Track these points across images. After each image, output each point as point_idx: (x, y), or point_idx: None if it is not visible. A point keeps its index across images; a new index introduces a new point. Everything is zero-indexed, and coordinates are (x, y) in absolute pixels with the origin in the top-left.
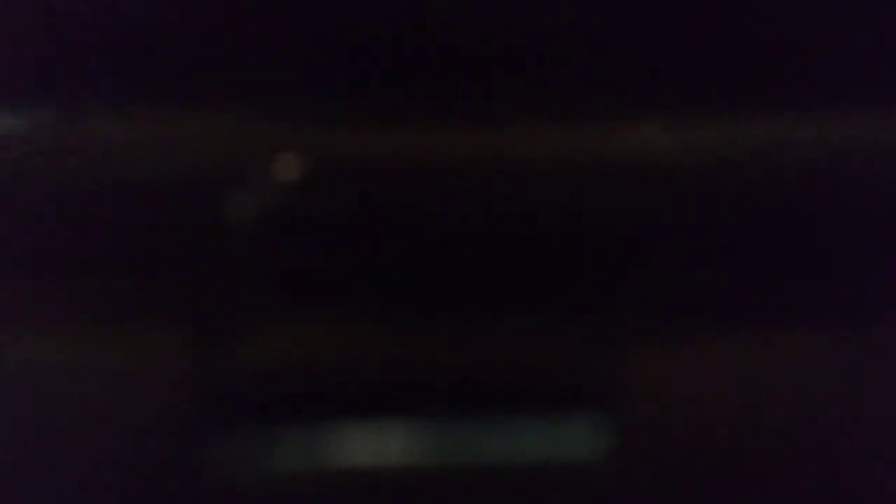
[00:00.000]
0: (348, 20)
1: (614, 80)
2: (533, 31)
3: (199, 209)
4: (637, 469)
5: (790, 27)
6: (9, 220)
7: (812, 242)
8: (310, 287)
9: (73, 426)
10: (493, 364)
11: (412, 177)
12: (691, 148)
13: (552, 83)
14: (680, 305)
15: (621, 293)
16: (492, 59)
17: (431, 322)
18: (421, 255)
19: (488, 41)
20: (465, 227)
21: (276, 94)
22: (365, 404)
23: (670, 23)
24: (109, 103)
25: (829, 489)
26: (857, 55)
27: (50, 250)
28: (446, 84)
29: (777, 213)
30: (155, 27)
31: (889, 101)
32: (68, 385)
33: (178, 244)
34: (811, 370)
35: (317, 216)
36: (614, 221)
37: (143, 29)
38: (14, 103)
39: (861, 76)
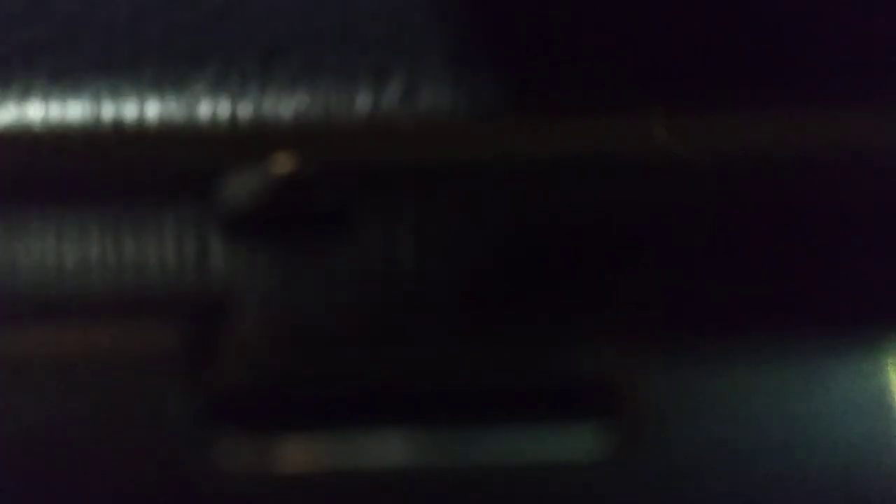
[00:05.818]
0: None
1: (620, 77)
2: (538, 28)
3: (193, 206)
4: (639, 474)
5: (794, 25)
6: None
7: (818, 242)
8: (309, 287)
9: (69, 425)
10: (492, 367)
11: (410, 176)
12: (698, 146)
13: (556, 79)
14: (684, 307)
15: (625, 294)
16: (495, 57)
17: (431, 323)
18: (420, 255)
19: (493, 39)
20: (465, 226)
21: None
22: (364, 407)
23: (676, 20)
24: (97, 97)
25: (832, 490)
26: (861, 54)
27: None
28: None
29: (783, 212)
30: (149, 19)
31: (892, 99)
32: (63, 384)
33: (174, 242)
34: (816, 371)
35: (314, 214)
36: (618, 222)
37: (137, 21)
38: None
39: (867, 75)
